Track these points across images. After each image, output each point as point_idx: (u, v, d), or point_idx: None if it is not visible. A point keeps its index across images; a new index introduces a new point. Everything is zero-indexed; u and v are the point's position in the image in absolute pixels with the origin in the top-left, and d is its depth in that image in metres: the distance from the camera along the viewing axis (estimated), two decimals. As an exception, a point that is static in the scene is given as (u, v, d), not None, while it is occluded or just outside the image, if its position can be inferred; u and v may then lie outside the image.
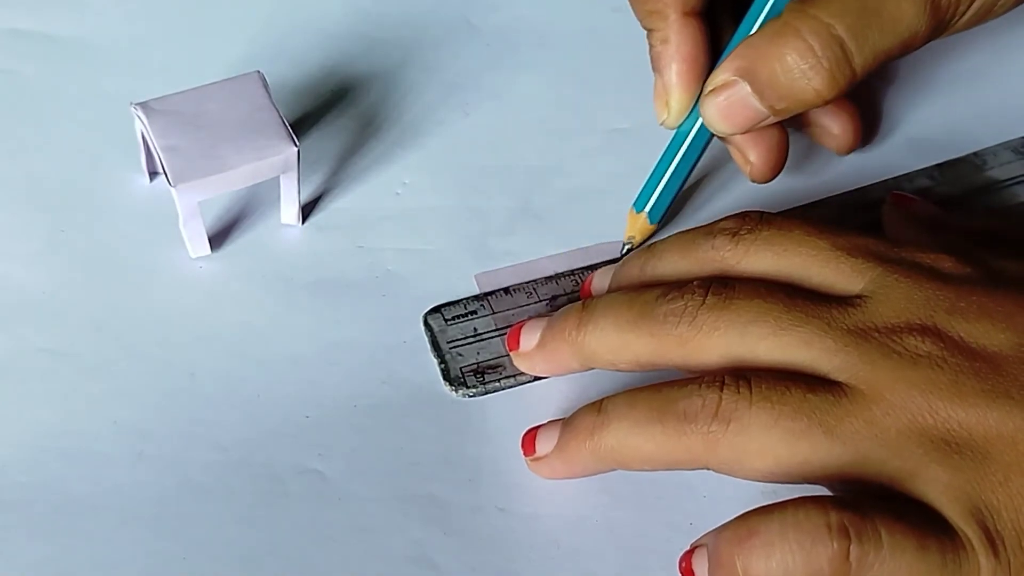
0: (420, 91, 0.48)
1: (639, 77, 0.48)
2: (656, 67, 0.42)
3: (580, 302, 0.38)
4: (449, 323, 0.41)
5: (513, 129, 0.47)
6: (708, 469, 0.34)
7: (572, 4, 0.51)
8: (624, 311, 0.37)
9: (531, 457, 0.38)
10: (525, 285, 0.42)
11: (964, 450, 0.32)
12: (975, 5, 0.39)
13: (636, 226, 0.43)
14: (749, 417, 0.33)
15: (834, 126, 0.44)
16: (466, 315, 0.41)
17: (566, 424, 0.37)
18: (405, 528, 0.38)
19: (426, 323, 0.41)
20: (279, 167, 0.41)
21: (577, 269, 0.43)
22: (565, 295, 0.42)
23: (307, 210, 0.44)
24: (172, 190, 0.40)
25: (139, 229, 0.43)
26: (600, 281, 0.41)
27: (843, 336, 0.34)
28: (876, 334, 0.34)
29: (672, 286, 0.36)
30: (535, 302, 0.42)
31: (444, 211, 0.45)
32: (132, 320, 0.41)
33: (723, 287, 0.36)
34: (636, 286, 0.39)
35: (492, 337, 0.41)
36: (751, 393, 0.33)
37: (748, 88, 0.39)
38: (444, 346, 0.41)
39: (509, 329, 0.40)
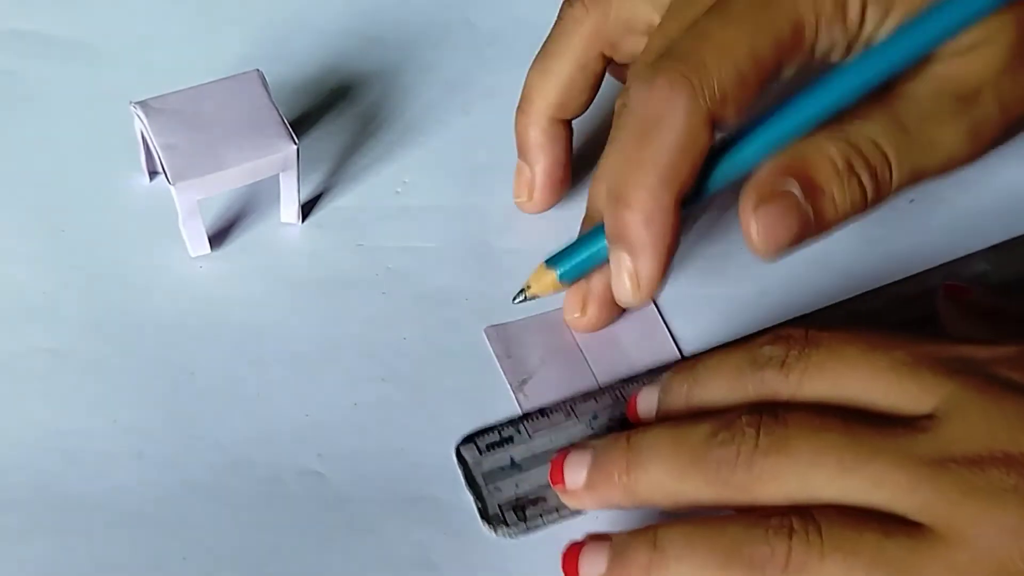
0: (420, 90, 0.48)
1: (639, 75, 0.48)
2: (525, 156, 0.43)
3: (624, 436, 0.35)
4: (484, 454, 0.38)
5: (512, 128, 0.47)
6: None
7: (572, 3, 0.51)
8: (672, 454, 0.34)
9: None
10: (563, 404, 0.39)
11: None
12: (1011, 129, 0.37)
13: (542, 281, 0.40)
14: (821, 569, 0.31)
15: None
16: (501, 443, 0.39)
17: (617, 553, 0.34)
18: (405, 529, 0.37)
19: (459, 455, 0.38)
20: (278, 165, 0.41)
21: (616, 382, 0.40)
22: (606, 412, 0.39)
23: (307, 209, 0.44)
24: (171, 188, 0.40)
25: (139, 229, 0.43)
26: (645, 403, 0.38)
27: (917, 470, 0.31)
28: (954, 465, 0.31)
29: (720, 422, 0.33)
30: (574, 423, 0.39)
31: (444, 209, 0.45)
32: (132, 320, 0.41)
33: (775, 422, 0.33)
34: (682, 415, 0.36)
35: (531, 467, 0.38)
36: (822, 542, 0.31)
37: (799, 193, 0.35)
38: (480, 481, 0.38)
39: (551, 462, 0.37)
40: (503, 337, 0.42)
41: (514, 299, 0.40)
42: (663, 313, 0.42)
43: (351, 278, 0.43)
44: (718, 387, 0.35)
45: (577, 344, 0.41)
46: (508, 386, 0.40)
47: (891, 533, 0.31)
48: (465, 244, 0.44)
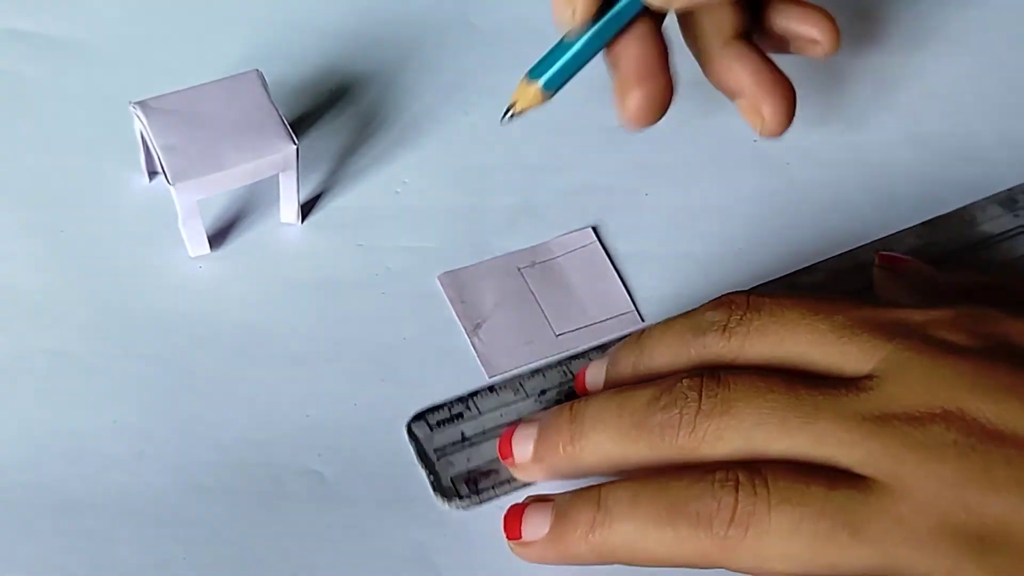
0: (419, 90, 0.48)
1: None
2: None
3: (567, 406, 0.36)
4: (434, 429, 0.39)
5: (512, 127, 0.47)
6: (725, 569, 0.32)
7: (572, 3, 0.51)
8: (615, 421, 0.34)
9: (517, 541, 0.35)
10: (511, 381, 0.40)
11: (1002, 547, 0.30)
12: None
13: (527, 94, 0.38)
14: (769, 521, 0.31)
15: (813, 31, 0.40)
16: (452, 419, 0.39)
17: (560, 513, 0.34)
18: (405, 529, 0.37)
19: (410, 432, 0.39)
20: (278, 165, 0.41)
21: (564, 359, 0.41)
22: (554, 388, 0.40)
23: (306, 209, 0.44)
24: (171, 189, 0.40)
25: (139, 229, 0.43)
26: (594, 376, 0.38)
27: (859, 426, 0.31)
28: (896, 421, 0.31)
29: (662, 386, 0.34)
30: (523, 399, 0.40)
31: (443, 209, 0.45)
32: (132, 320, 0.41)
33: (716, 384, 0.33)
34: (628, 384, 0.36)
35: (482, 442, 0.39)
36: (769, 494, 0.31)
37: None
38: (432, 455, 0.38)
39: (500, 436, 0.37)
40: (456, 283, 0.42)
41: (502, 118, 0.39)
42: (619, 268, 0.43)
43: (351, 278, 0.43)
44: (663, 354, 0.36)
45: (530, 288, 0.42)
46: (463, 330, 0.41)
47: (837, 485, 0.31)
48: (465, 244, 0.44)
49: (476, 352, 0.41)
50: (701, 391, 0.33)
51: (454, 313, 0.42)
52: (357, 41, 0.49)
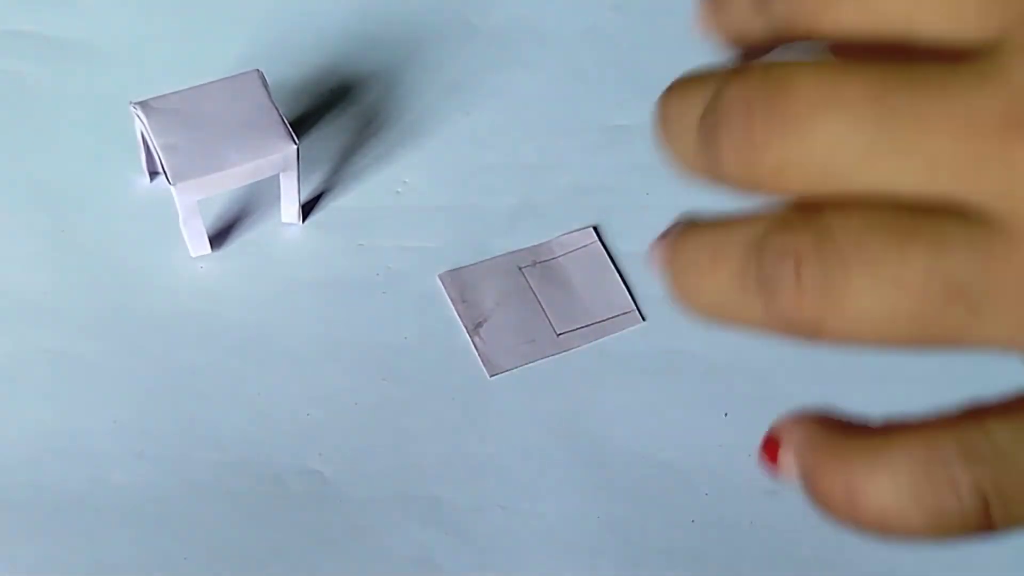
0: (420, 90, 0.48)
1: (638, 74, 0.48)
2: None
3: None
4: None
5: (513, 127, 0.47)
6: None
7: (572, 4, 0.51)
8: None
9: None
10: None
11: None
12: None
13: None
14: (848, 302, 0.20)
15: None
16: None
17: None
18: (406, 528, 0.37)
19: None
20: (279, 165, 0.41)
21: None
22: None
23: (307, 208, 0.44)
24: (172, 189, 0.40)
25: (139, 229, 0.43)
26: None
27: (987, 137, 0.20)
28: None
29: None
30: None
31: (444, 209, 0.45)
32: (132, 320, 0.41)
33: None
34: None
35: None
36: (845, 265, 0.20)
37: None
38: None
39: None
40: (457, 282, 0.42)
41: None
42: (620, 268, 0.43)
43: (352, 278, 0.43)
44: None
45: (531, 288, 0.43)
46: (464, 330, 0.41)
47: (948, 239, 0.20)
48: (466, 244, 0.44)
49: (477, 351, 0.41)
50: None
51: (455, 312, 0.42)
52: (357, 41, 0.49)
